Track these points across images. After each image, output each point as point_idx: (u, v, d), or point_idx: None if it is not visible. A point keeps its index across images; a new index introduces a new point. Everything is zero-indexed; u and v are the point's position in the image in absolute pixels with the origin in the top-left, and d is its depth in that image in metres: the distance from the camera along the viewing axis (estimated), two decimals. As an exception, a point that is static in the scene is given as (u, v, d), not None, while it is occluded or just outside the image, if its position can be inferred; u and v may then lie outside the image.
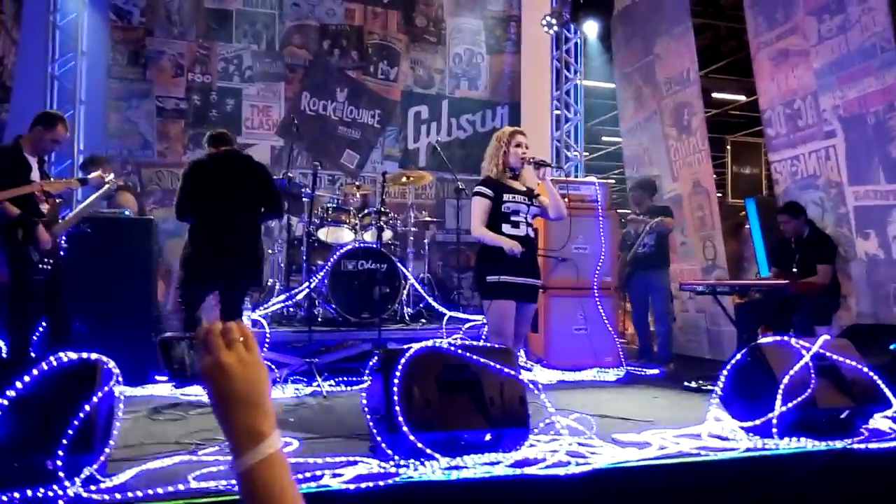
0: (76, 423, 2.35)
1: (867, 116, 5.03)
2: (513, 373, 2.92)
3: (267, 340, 4.82)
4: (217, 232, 4.30)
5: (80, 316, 4.45)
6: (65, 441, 2.32)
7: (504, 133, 3.92)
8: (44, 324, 4.24)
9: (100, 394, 2.44)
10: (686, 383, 4.95)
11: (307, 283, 5.05)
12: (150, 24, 7.10)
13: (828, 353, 3.39)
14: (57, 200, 4.32)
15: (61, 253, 4.30)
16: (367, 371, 3.02)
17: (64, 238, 4.39)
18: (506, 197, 3.77)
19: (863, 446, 3.09)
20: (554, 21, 8.17)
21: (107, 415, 2.56)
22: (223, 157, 4.45)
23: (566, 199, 5.82)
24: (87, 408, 2.39)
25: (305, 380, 4.71)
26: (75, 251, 4.56)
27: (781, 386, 3.20)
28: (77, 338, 4.24)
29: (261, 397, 0.90)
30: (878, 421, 3.44)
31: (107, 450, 2.52)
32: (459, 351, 2.91)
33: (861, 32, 5.04)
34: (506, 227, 3.76)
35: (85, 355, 2.51)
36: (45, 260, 4.07)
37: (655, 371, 5.78)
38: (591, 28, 7.92)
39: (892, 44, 4.85)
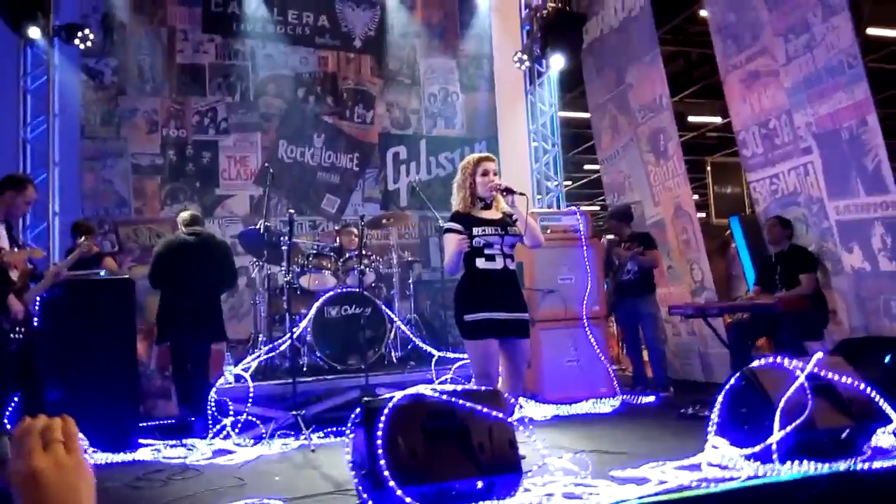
0: None
1: (841, 132, 5.04)
2: (501, 415, 2.83)
3: (250, 396, 4.69)
4: (182, 299, 5.02)
5: (58, 383, 4.32)
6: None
7: (469, 162, 3.67)
8: (17, 396, 4.11)
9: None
10: (682, 410, 4.86)
11: (290, 334, 4.94)
12: (122, 82, 7.09)
13: (822, 372, 3.33)
14: (28, 266, 4.22)
15: (34, 320, 4.19)
16: (349, 425, 2.90)
17: (37, 304, 4.29)
18: (476, 230, 3.51)
19: (866, 466, 3.00)
20: (525, 57, 8.24)
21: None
22: (183, 237, 5.18)
23: (548, 231, 5.85)
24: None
25: (293, 433, 4.58)
26: (50, 316, 4.45)
27: (778, 409, 3.13)
28: (54, 406, 4.10)
29: None
30: (881, 438, 3.36)
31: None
32: (444, 397, 2.82)
33: (827, 50, 5.09)
34: (480, 262, 3.52)
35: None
36: (18, 329, 3.95)
37: (651, 398, 5.68)
38: (557, 62, 7.98)
39: (857, 59, 4.90)
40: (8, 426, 3.88)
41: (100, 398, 4.34)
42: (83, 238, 4.58)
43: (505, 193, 3.54)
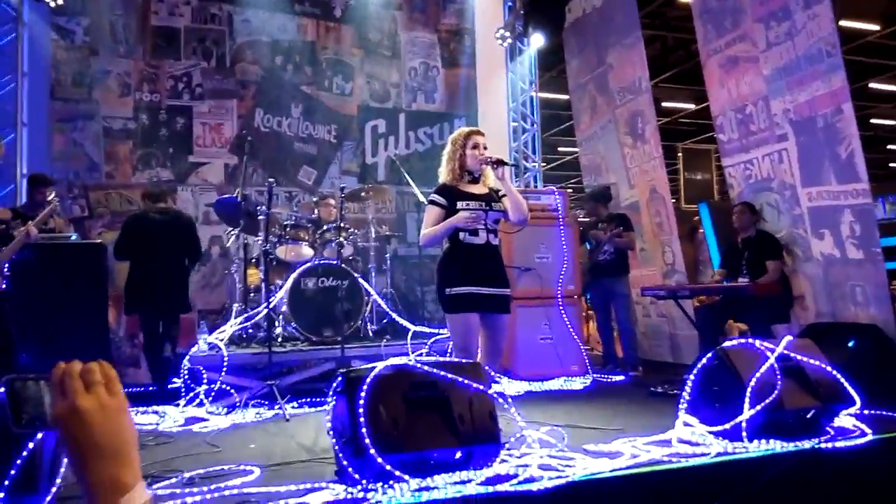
0: (19, 461, 2.21)
1: (817, 119, 5.13)
2: (481, 387, 2.85)
3: (225, 364, 4.66)
4: (150, 274, 5.24)
5: (28, 345, 4.24)
6: (7, 482, 2.17)
7: (460, 135, 3.65)
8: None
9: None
10: (652, 389, 4.96)
11: (266, 304, 4.90)
12: (94, 43, 6.89)
13: (792, 354, 3.41)
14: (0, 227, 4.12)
15: (3, 283, 4.10)
16: (330, 393, 2.90)
17: (7, 266, 4.19)
18: (460, 204, 3.48)
19: (830, 445, 3.11)
20: (507, 34, 8.20)
21: (53, 452, 2.41)
22: (152, 213, 5.41)
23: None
24: (31, 445, 2.24)
25: (267, 403, 4.57)
26: (21, 279, 4.35)
27: (749, 389, 3.21)
28: (23, 370, 4.03)
29: (123, 446, 0.83)
30: (843, 419, 3.47)
31: (54, 489, 2.36)
32: (426, 368, 2.83)
33: (807, 38, 5.15)
34: (463, 236, 3.52)
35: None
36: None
37: (621, 377, 5.78)
38: (537, 40, 7.96)
39: (836, 48, 4.97)
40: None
41: (68, 360, 4.27)
42: (53, 195, 4.48)
43: (496, 165, 3.53)
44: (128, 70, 7.01)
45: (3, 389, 0.88)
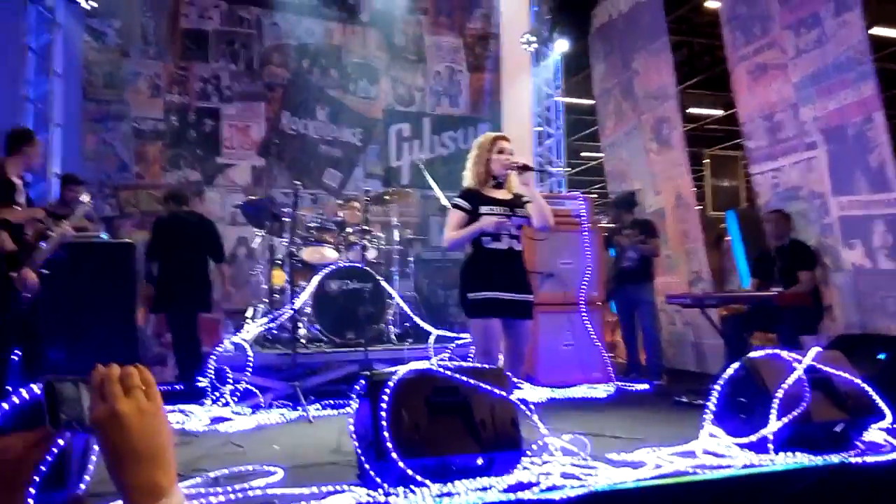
0: (48, 457, 2.24)
1: (847, 128, 5.05)
2: (504, 394, 2.85)
3: (249, 364, 4.70)
4: (178, 273, 5.40)
5: (57, 343, 4.32)
6: (36, 478, 2.20)
7: (486, 139, 3.65)
8: (18, 353, 4.10)
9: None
10: (676, 398, 4.91)
11: (291, 305, 4.94)
12: (125, 45, 7.01)
13: (820, 366, 3.36)
14: (40, 225, 4.20)
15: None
16: (353, 395, 2.92)
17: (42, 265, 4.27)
18: (483, 209, 3.50)
19: (859, 460, 3.05)
20: (533, 38, 8.19)
21: (83, 448, 2.44)
22: (182, 215, 5.60)
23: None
24: (61, 441, 2.27)
25: (291, 404, 4.61)
26: (52, 277, 4.43)
27: (776, 401, 3.16)
28: (53, 366, 4.11)
29: (160, 450, 0.84)
30: (873, 433, 3.40)
31: (83, 486, 2.40)
32: (449, 373, 2.84)
33: (837, 46, 5.08)
34: (486, 241, 3.52)
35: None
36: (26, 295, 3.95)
37: (645, 386, 5.73)
38: (561, 45, 7.95)
39: (867, 56, 4.89)
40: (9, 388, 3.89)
41: (98, 358, 4.33)
42: (85, 195, 4.56)
43: (521, 171, 3.53)
44: (157, 72, 7.12)
45: (41, 389, 0.89)
